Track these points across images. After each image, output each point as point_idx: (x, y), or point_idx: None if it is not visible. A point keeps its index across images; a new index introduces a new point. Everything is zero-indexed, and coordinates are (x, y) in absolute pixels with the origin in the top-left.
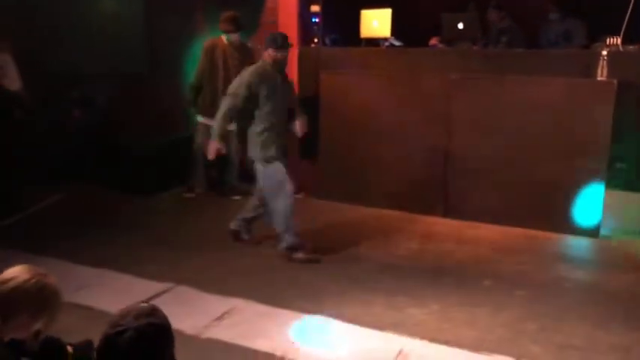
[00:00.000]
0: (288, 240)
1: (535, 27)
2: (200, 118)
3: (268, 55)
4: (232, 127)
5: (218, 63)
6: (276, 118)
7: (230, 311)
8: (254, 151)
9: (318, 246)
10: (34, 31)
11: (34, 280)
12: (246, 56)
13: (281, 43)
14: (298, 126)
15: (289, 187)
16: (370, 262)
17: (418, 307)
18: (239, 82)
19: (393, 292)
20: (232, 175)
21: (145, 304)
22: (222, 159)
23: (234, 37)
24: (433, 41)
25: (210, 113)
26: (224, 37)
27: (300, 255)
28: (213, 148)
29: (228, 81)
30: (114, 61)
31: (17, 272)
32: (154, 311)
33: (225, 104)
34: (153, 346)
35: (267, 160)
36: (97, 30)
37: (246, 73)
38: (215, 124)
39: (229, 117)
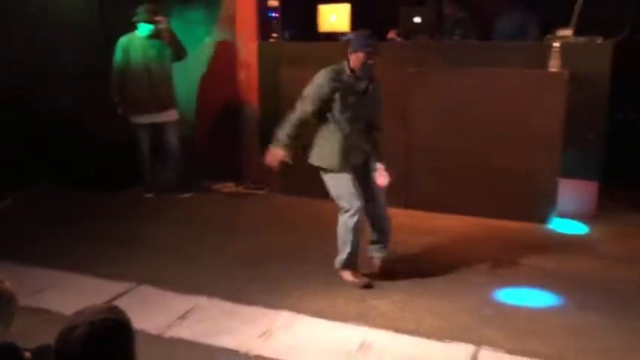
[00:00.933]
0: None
1: (491, 20)
2: (136, 118)
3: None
4: (170, 116)
5: (135, 58)
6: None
7: (193, 309)
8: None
9: (278, 241)
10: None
11: None
12: (163, 47)
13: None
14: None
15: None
16: (332, 256)
17: (381, 299)
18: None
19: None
20: (173, 172)
21: (104, 304)
22: (161, 155)
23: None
24: (391, 35)
25: (141, 109)
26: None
27: (347, 276)
28: (274, 156)
29: (148, 75)
30: (77, 61)
31: None
32: (112, 309)
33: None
34: (107, 340)
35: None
36: (51, 28)
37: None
38: (281, 129)
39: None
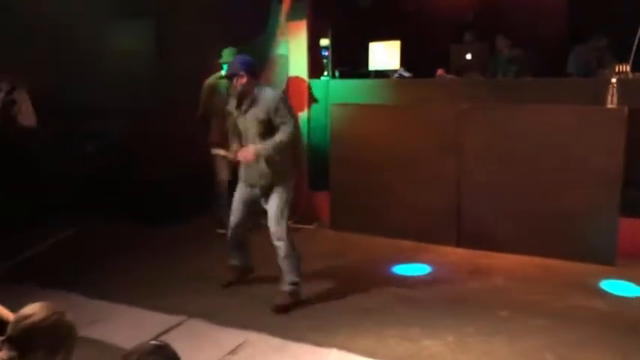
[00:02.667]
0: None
1: (547, 55)
2: (220, 151)
3: None
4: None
5: (219, 98)
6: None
7: (243, 344)
8: None
9: (329, 277)
10: (50, 68)
11: (52, 319)
12: None
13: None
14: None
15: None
16: (383, 293)
17: (433, 339)
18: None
19: (406, 323)
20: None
21: (155, 342)
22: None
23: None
24: (440, 72)
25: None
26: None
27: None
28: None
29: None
30: (128, 97)
31: (36, 309)
32: (160, 349)
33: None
34: None
35: None
36: (113, 66)
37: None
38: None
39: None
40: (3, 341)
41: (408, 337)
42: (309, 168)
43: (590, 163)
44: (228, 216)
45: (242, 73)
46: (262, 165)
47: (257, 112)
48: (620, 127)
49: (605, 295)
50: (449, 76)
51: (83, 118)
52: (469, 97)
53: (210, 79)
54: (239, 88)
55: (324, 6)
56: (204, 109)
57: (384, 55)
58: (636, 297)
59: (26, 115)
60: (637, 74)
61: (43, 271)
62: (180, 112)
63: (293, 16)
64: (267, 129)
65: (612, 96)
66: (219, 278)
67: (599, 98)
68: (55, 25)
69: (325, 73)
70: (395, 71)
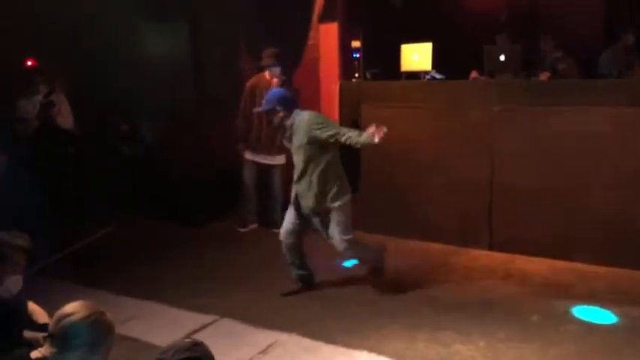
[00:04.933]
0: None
1: (582, 55)
2: (248, 155)
3: None
4: (279, 160)
5: (259, 100)
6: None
7: (274, 344)
8: None
9: (359, 280)
10: (87, 70)
11: (93, 317)
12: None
13: None
14: None
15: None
16: (414, 296)
17: (464, 343)
18: None
19: (437, 327)
20: (275, 210)
21: (189, 340)
22: (267, 193)
23: (276, 70)
24: (474, 74)
25: (257, 149)
26: (266, 73)
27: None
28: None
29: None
30: (164, 98)
31: (77, 308)
32: (195, 346)
33: None
34: None
35: None
36: (148, 67)
37: None
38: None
39: None
40: (45, 337)
41: (439, 341)
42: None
43: (626, 165)
44: (252, 216)
45: (279, 108)
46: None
47: (300, 138)
48: None
49: (637, 300)
50: (482, 77)
51: (119, 119)
52: (502, 99)
53: (252, 81)
54: (277, 123)
55: (355, 8)
56: (245, 110)
57: (416, 56)
58: None
59: (64, 117)
60: None
61: (80, 269)
62: (215, 114)
63: (324, 18)
64: (312, 151)
65: None
66: (247, 277)
67: (635, 100)
68: (91, 27)
69: (357, 75)
70: (427, 73)
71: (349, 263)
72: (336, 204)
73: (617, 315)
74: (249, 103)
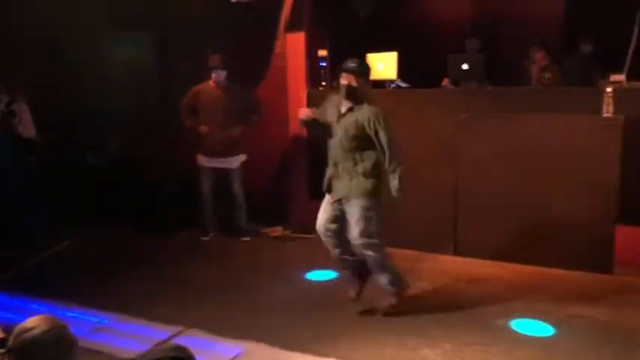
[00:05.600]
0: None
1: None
2: (203, 161)
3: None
4: (236, 162)
5: (205, 105)
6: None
7: (241, 355)
8: None
9: (328, 287)
10: (50, 79)
11: (53, 332)
12: (233, 94)
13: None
14: None
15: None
16: (381, 303)
17: (431, 348)
18: None
19: (405, 332)
20: (240, 217)
21: (174, 343)
22: (230, 200)
23: (222, 74)
24: (445, 82)
25: (211, 154)
26: (212, 79)
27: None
28: None
29: (213, 121)
30: (129, 107)
31: (38, 322)
32: (181, 349)
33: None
34: None
35: None
36: (113, 77)
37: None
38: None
39: None
40: (3, 354)
41: (407, 346)
42: (309, 177)
43: (587, 172)
44: (211, 224)
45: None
46: None
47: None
48: (616, 137)
49: (602, 303)
50: (450, 86)
51: (83, 129)
52: (467, 107)
53: (198, 87)
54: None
55: (322, 17)
56: (187, 111)
57: (382, 65)
58: (635, 305)
59: (26, 126)
60: (632, 83)
61: (43, 281)
62: (180, 123)
63: (291, 27)
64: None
65: (608, 105)
66: (212, 287)
67: (595, 108)
68: (56, 36)
69: (324, 83)
70: (392, 82)
71: (313, 274)
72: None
73: (580, 316)
74: (192, 105)
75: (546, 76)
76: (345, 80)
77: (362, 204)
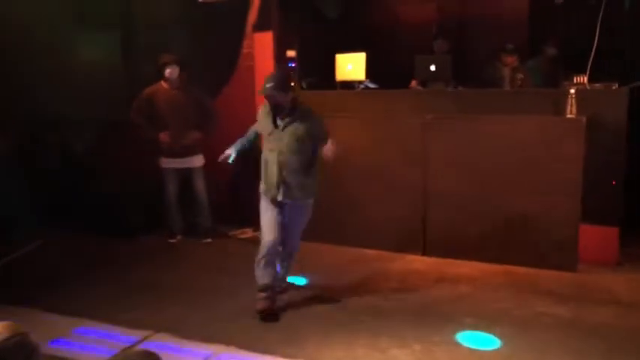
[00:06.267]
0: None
1: None
2: (164, 163)
3: None
4: (198, 161)
5: (161, 108)
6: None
7: (210, 358)
8: None
9: (298, 289)
10: (13, 80)
11: (15, 339)
12: (189, 96)
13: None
14: None
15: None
16: (350, 303)
17: (400, 348)
18: None
19: (374, 333)
20: (205, 218)
21: (142, 349)
22: (193, 201)
23: (174, 73)
24: (413, 83)
25: (172, 154)
26: (165, 75)
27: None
28: None
29: (171, 125)
30: (95, 109)
31: None
32: (149, 354)
33: None
34: None
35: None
36: (76, 77)
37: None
38: None
39: None
40: None
41: (377, 347)
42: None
43: (551, 171)
44: (177, 226)
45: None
46: None
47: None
48: (579, 137)
49: (566, 301)
50: (420, 87)
51: (47, 131)
52: (433, 108)
53: (151, 88)
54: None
55: (290, 17)
56: (141, 113)
57: (350, 66)
58: (598, 302)
59: None
60: (593, 85)
61: (5, 286)
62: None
63: (259, 27)
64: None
65: (571, 106)
66: (180, 290)
67: (559, 109)
68: (19, 35)
69: (292, 84)
70: (361, 82)
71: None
72: None
73: (546, 314)
74: (145, 108)
75: (519, 77)
76: (272, 100)
77: None
